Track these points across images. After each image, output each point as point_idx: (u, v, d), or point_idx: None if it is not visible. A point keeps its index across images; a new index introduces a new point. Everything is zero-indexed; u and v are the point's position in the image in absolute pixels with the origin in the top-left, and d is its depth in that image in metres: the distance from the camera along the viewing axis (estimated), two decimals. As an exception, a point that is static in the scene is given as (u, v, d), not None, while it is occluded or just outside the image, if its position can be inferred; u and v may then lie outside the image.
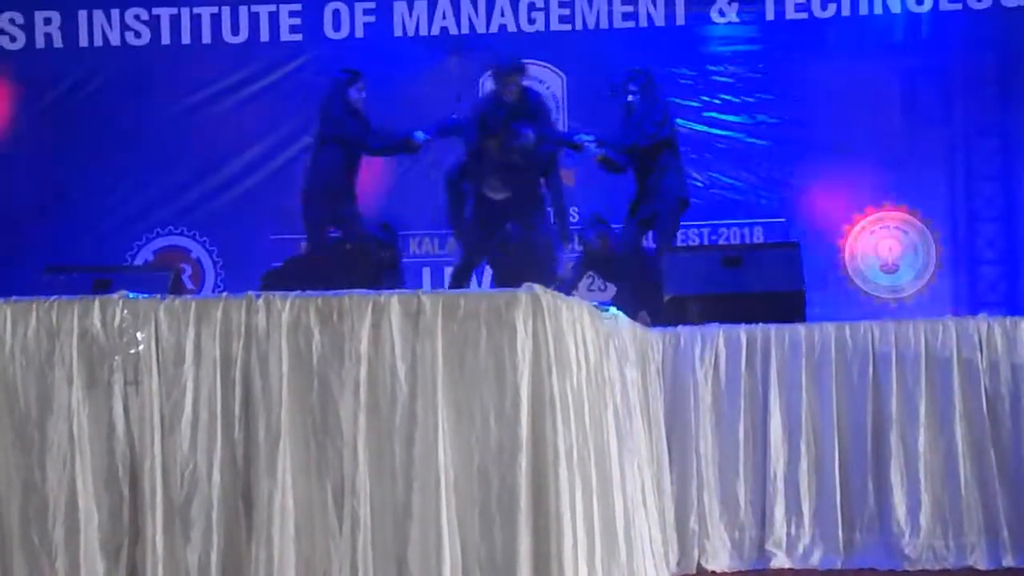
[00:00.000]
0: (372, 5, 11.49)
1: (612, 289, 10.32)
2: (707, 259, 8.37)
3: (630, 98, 9.75)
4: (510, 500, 3.49)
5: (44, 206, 11.43)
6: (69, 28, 11.54)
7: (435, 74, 11.32)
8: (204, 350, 3.62)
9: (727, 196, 11.27)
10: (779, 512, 6.77)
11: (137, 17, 11.53)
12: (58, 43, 11.55)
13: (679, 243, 10.49)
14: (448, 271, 10.63)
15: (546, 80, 11.39)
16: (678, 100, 11.19)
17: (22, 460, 3.57)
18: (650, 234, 9.90)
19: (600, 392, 4.31)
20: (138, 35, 11.53)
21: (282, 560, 3.51)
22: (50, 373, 3.60)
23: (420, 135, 9.91)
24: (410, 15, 11.48)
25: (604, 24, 11.42)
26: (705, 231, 11.19)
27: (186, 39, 11.55)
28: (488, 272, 10.33)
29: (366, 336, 3.58)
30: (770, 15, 11.31)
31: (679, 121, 10.67)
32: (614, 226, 10.06)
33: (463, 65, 11.27)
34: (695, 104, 11.38)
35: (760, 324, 7.00)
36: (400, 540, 3.51)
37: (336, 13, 11.47)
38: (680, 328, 7.19)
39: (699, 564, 6.72)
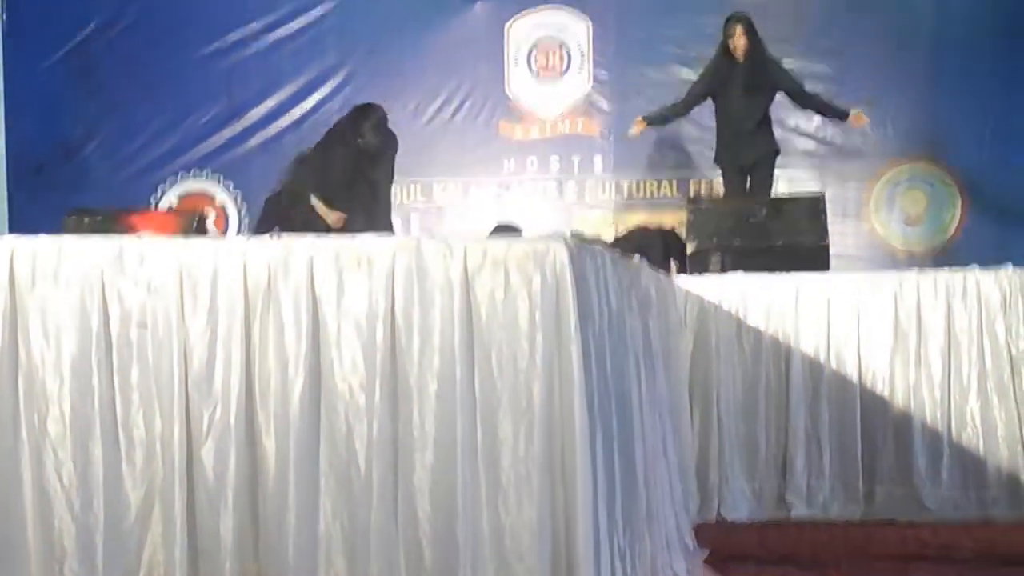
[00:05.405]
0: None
1: None
2: (731, 211, 8.34)
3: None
4: (530, 446, 3.49)
5: (69, 148, 11.44)
6: (94, -31, 11.52)
7: (462, 22, 11.25)
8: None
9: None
10: (799, 463, 6.78)
11: (163, -41, 11.49)
12: (84, -16, 11.53)
13: (702, 194, 10.47)
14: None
15: (569, 26, 11.26)
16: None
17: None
18: None
19: (622, 341, 4.31)
20: (164, -23, 11.50)
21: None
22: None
23: None
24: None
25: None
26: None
27: (212, -19, 11.52)
28: None
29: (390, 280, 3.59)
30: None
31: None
32: None
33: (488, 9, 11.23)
34: (721, 51, 11.25)
35: (783, 274, 7.00)
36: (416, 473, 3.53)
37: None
38: (704, 278, 7.19)
39: (719, 513, 6.74)
